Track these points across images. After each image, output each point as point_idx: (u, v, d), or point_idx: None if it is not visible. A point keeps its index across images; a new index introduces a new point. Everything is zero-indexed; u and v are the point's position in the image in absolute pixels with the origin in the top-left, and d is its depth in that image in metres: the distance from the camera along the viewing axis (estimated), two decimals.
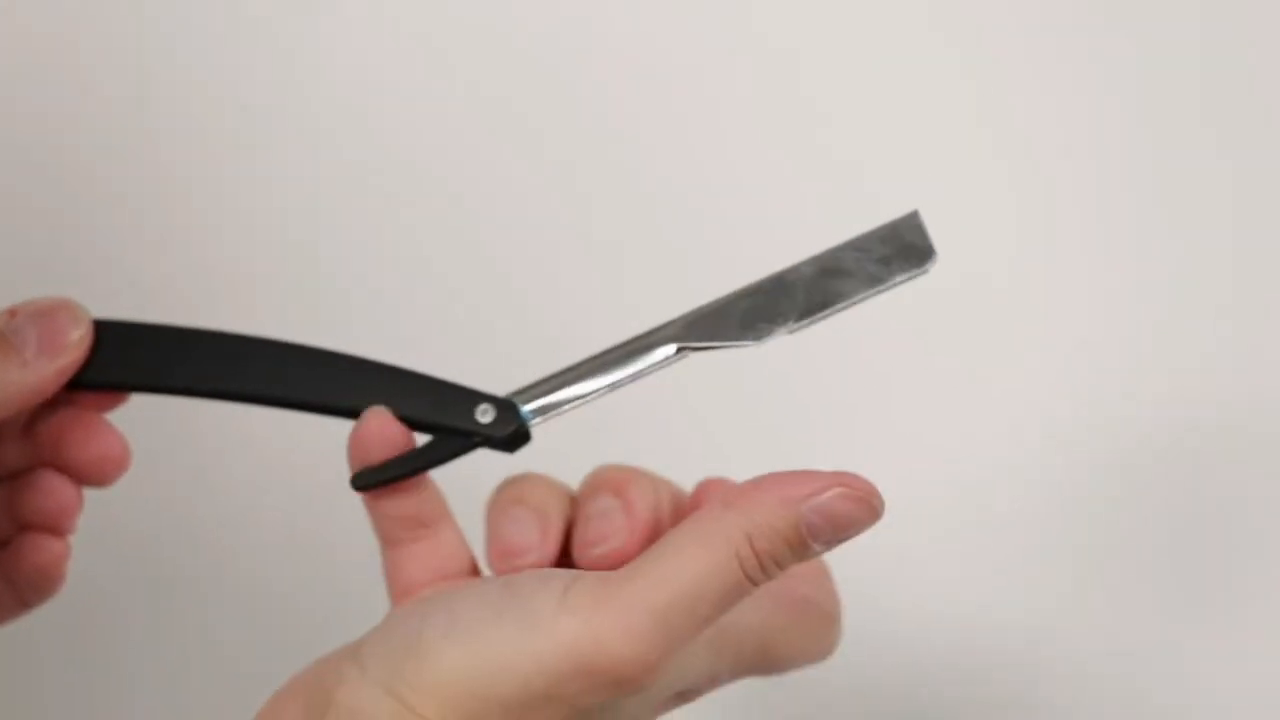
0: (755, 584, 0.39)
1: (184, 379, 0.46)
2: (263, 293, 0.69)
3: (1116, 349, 0.71)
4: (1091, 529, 0.71)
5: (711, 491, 0.46)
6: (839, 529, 0.39)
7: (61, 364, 0.45)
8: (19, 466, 0.48)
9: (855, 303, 0.44)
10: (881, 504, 0.39)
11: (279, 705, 0.40)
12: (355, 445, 0.44)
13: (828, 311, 0.44)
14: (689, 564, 0.38)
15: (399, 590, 0.45)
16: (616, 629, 0.38)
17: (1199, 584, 0.71)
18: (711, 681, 0.44)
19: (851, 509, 0.39)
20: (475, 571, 0.46)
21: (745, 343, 0.44)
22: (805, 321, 0.44)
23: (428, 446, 0.44)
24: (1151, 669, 0.71)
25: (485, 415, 0.44)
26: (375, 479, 0.43)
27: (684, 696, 0.43)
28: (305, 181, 0.70)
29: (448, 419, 0.44)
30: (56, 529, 0.48)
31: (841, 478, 0.39)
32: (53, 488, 0.47)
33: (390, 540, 0.45)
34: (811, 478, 0.39)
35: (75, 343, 0.45)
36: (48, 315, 0.45)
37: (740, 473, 0.42)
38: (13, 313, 0.45)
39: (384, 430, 0.44)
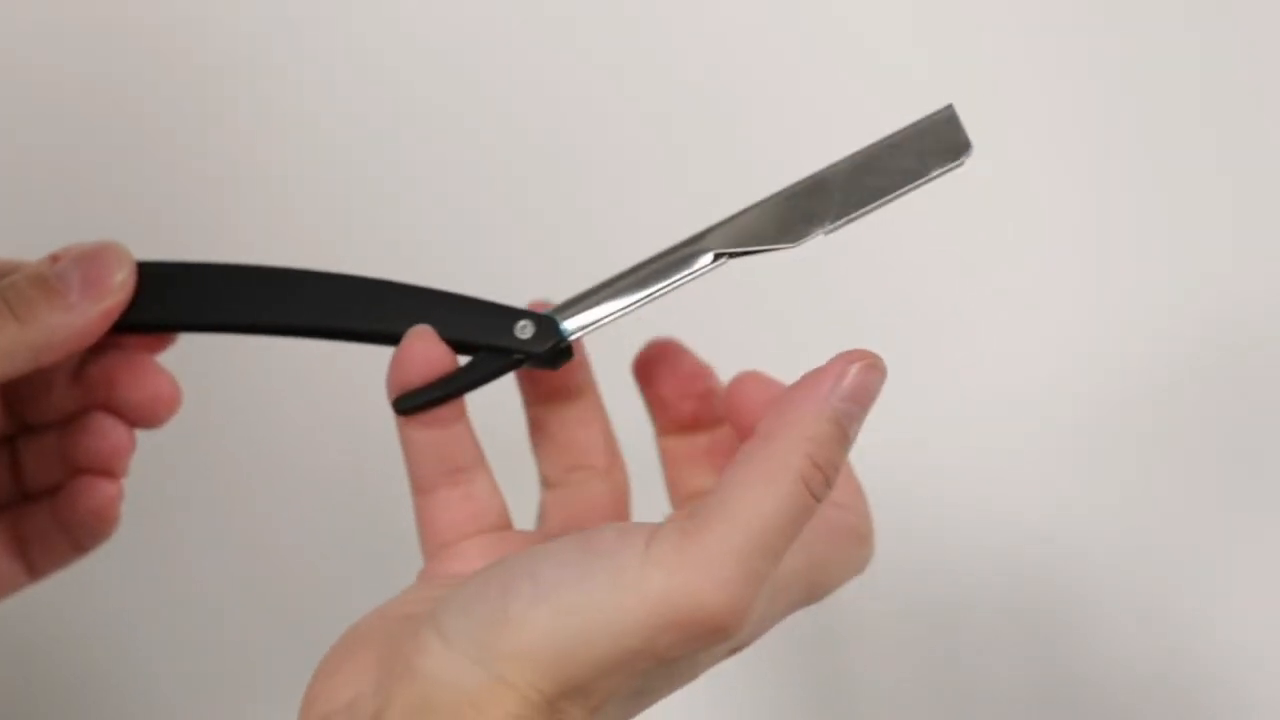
0: (820, 500, 0.38)
1: (227, 315, 0.46)
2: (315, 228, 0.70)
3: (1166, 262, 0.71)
4: (1138, 439, 0.72)
5: (749, 390, 0.46)
6: (866, 403, 0.39)
7: (106, 305, 0.45)
8: (70, 411, 0.48)
9: (891, 199, 0.43)
10: (882, 360, 0.40)
11: (348, 652, 0.40)
12: (397, 366, 0.43)
13: (864, 209, 0.43)
14: (762, 502, 0.37)
15: (432, 541, 0.45)
16: (707, 579, 0.37)
17: (1238, 493, 0.72)
18: (764, 629, 0.43)
19: (868, 378, 0.39)
20: (508, 524, 0.46)
21: (782, 245, 0.43)
22: (842, 221, 0.43)
23: (469, 366, 0.44)
24: (1183, 574, 0.72)
25: (525, 332, 0.44)
26: (418, 401, 0.43)
27: (736, 649, 0.43)
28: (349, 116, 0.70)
29: (488, 337, 0.44)
30: (109, 471, 0.48)
31: (846, 357, 0.39)
32: (105, 429, 0.48)
33: (424, 485, 0.44)
34: (824, 372, 0.39)
35: (119, 284, 0.45)
36: (91, 258, 0.45)
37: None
38: (55, 257, 0.45)
39: (427, 349, 0.43)
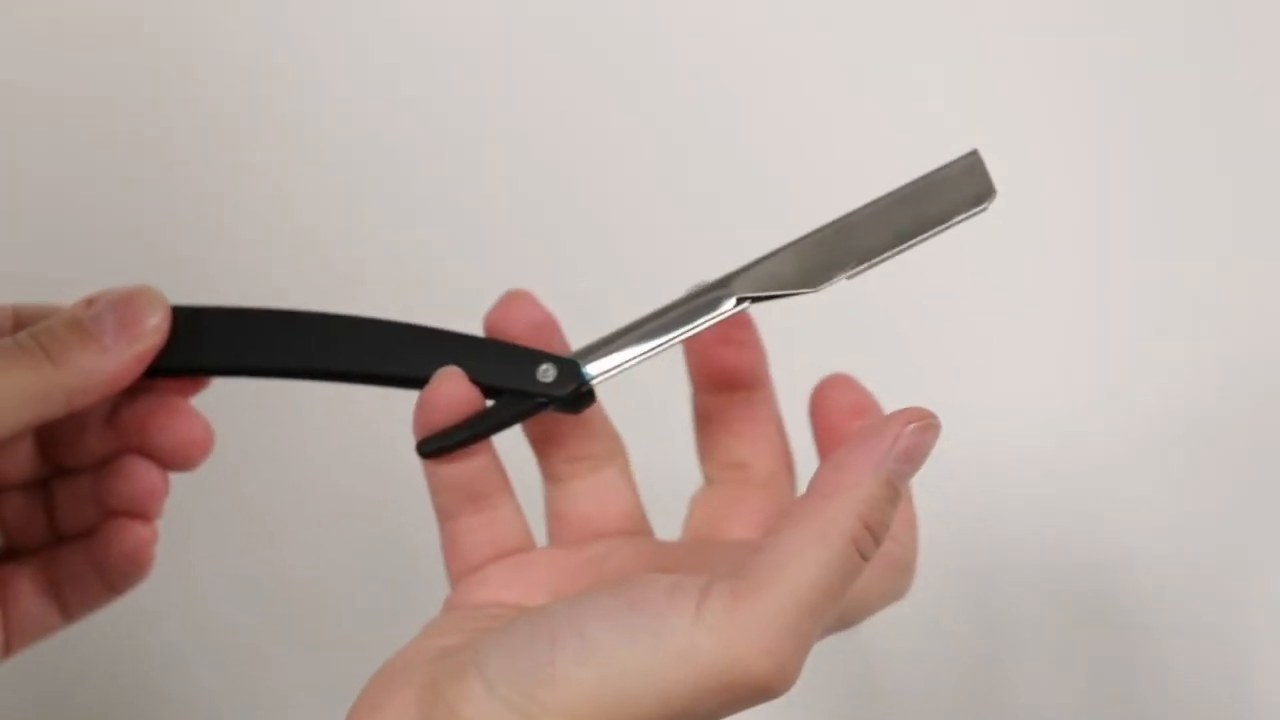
0: (868, 560, 0.39)
1: (256, 360, 0.46)
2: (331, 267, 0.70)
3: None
4: (1157, 441, 0.72)
5: (834, 395, 0.47)
6: (918, 462, 0.39)
7: (140, 349, 0.45)
8: (104, 454, 0.49)
9: (914, 244, 0.43)
10: (938, 419, 0.39)
11: (388, 688, 0.40)
12: (424, 408, 0.44)
13: (886, 255, 0.43)
14: (813, 565, 0.37)
15: (457, 566, 0.45)
16: (756, 647, 0.37)
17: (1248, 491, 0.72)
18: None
19: (922, 439, 0.39)
20: (532, 547, 0.46)
21: (804, 290, 0.44)
22: (864, 266, 0.43)
23: (492, 410, 0.44)
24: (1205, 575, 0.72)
25: (547, 375, 0.44)
26: (441, 444, 0.44)
27: None
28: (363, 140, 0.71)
29: (510, 381, 0.44)
30: (143, 513, 0.49)
31: (904, 416, 0.39)
32: (138, 473, 0.48)
33: (448, 513, 0.45)
34: (882, 432, 0.39)
35: (154, 328, 0.45)
36: (126, 302, 0.46)
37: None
38: (90, 301, 0.46)
39: (455, 391, 0.44)
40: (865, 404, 0.46)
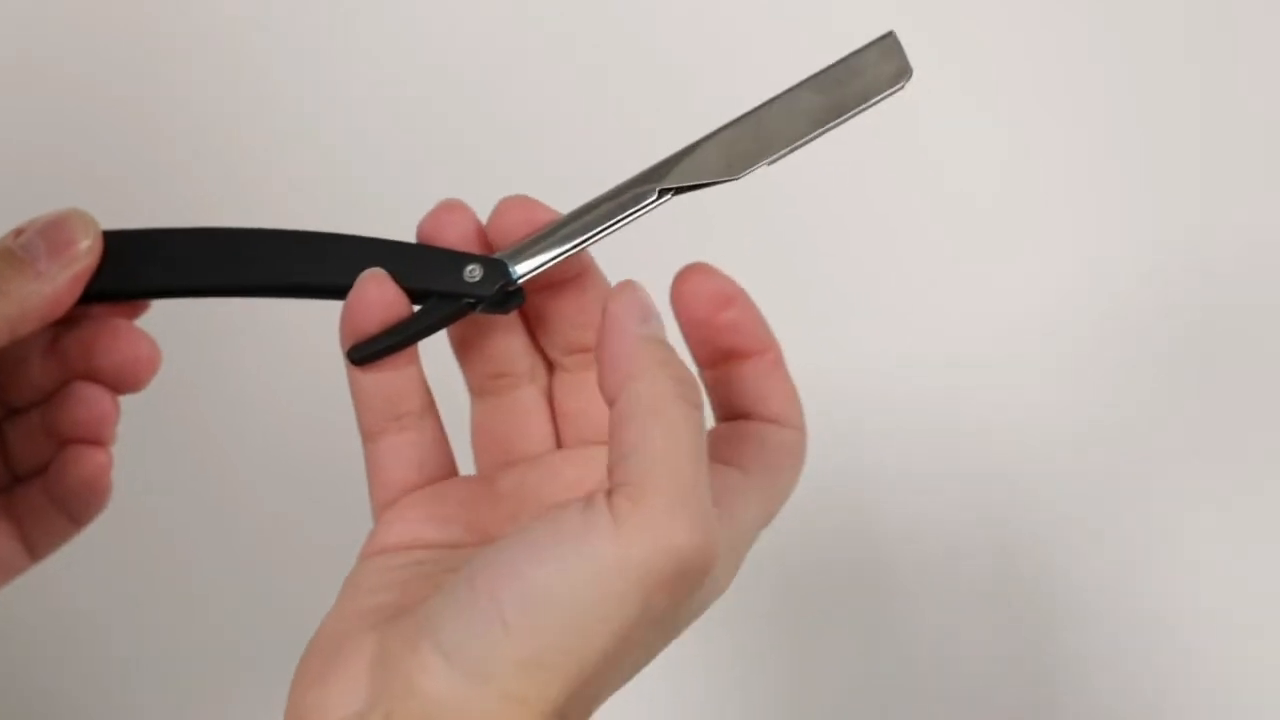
0: (700, 405, 0.39)
1: (190, 278, 0.46)
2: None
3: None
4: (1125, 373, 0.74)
5: (698, 288, 0.45)
6: (654, 314, 0.40)
7: (75, 270, 0.45)
8: (50, 387, 0.49)
9: (833, 126, 0.43)
10: (630, 281, 0.41)
11: (328, 662, 0.39)
12: (351, 311, 0.43)
13: (805, 139, 0.43)
14: (669, 439, 0.38)
15: (380, 494, 0.45)
16: (675, 530, 0.37)
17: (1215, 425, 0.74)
18: (736, 568, 0.44)
19: (637, 297, 0.40)
20: (454, 473, 0.46)
21: (725, 179, 0.44)
22: (784, 151, 0.43)
23: (420, 313, 0.44)
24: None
25: (474, 275, 0.44)
26: (371, 349, 0.43)
27: (717, 593, 0.43)
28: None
29: (436, 283, 0.44)
30: (97, 438, 0.48)
31: (619, 295, 0.40)
32: (88, 397, 0.48)
33: (373, 431, 0.45)
34: (619, 315, 0.40)
35: (86, 250, 0.45)
36: (55, 226, 0.45)
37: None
38: (19, 231, 0.46)
39: (382, 293, 0.43)
40: (730, 292, 0.44)
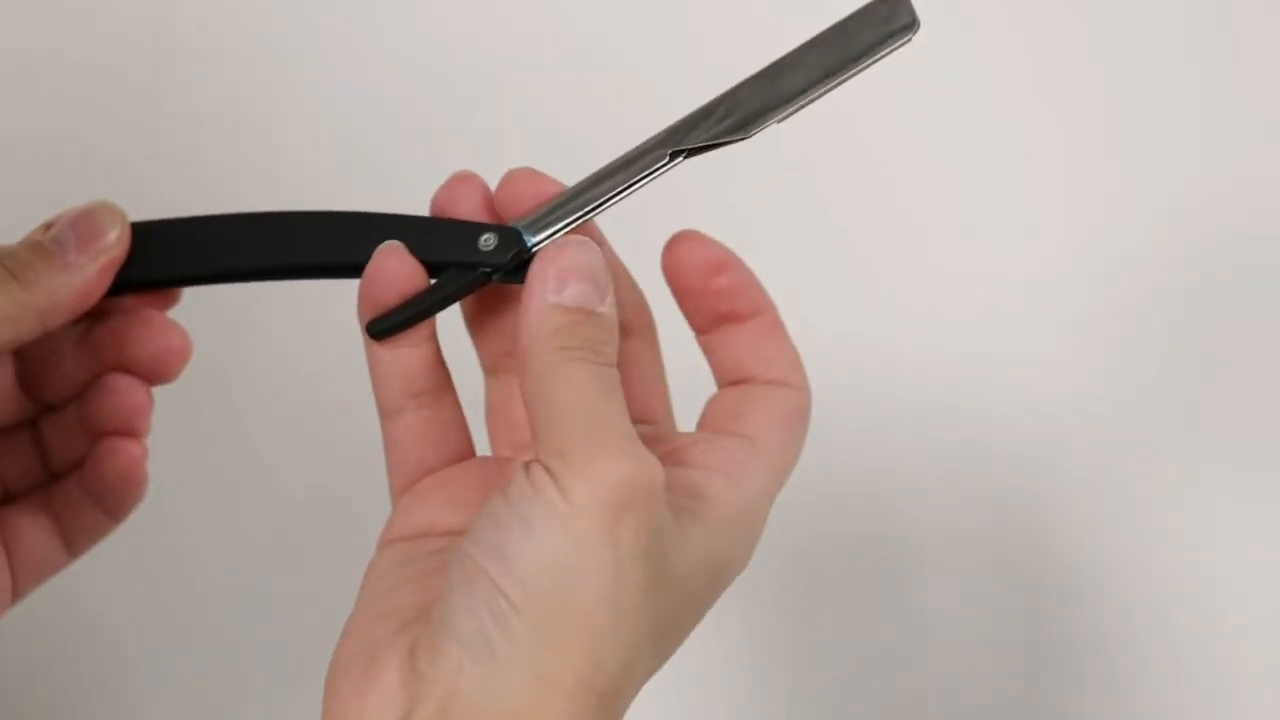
0: (606, 358, 0.41)
1: (216, 263, 0.47)
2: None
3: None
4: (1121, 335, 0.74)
5: (688, 256, 0.45)
6: (584, 279, 0.41)
7: (104, 261, 0.46)
8: (84, 380, 0.49)
9: (841, 81, 0.43)
10: (576, 238, 0.42)
11: (361, 673, 0.40)
12: (368, 284, 0.44)
13: (815, 94, 0.43)
14: (564, 393, 0.40)
15: (398, 478, 0.45)
16: (601, 466, 0.39)
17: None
18: (757, 536, 0.44)
19: (571, 261, 0.41)
20: (471, 453, 0.46)
21: (736, 138, 0.44)
22: (793, 108, 0.43)
23: (438, 285, 0.44)
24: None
25: (488, 244, 0.44)
26: (389, 323, 0.44)
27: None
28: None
29: (452, 253, 0.44)
30: (130, 430, 0.49)
31: (542, 260, 0.41)
32: (121, 388, 0.48)
33: (392, 409, 0.45)
34: (532, 283, 0.41)
35: (115, 240, 0.46)
36: (83, 218, 0.46)
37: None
38: (48, 225, 0.46)
39: (399, 265, 0.44)
40: (723, 258, 0.45)
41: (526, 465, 0.40)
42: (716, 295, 0.44)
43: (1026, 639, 0.75)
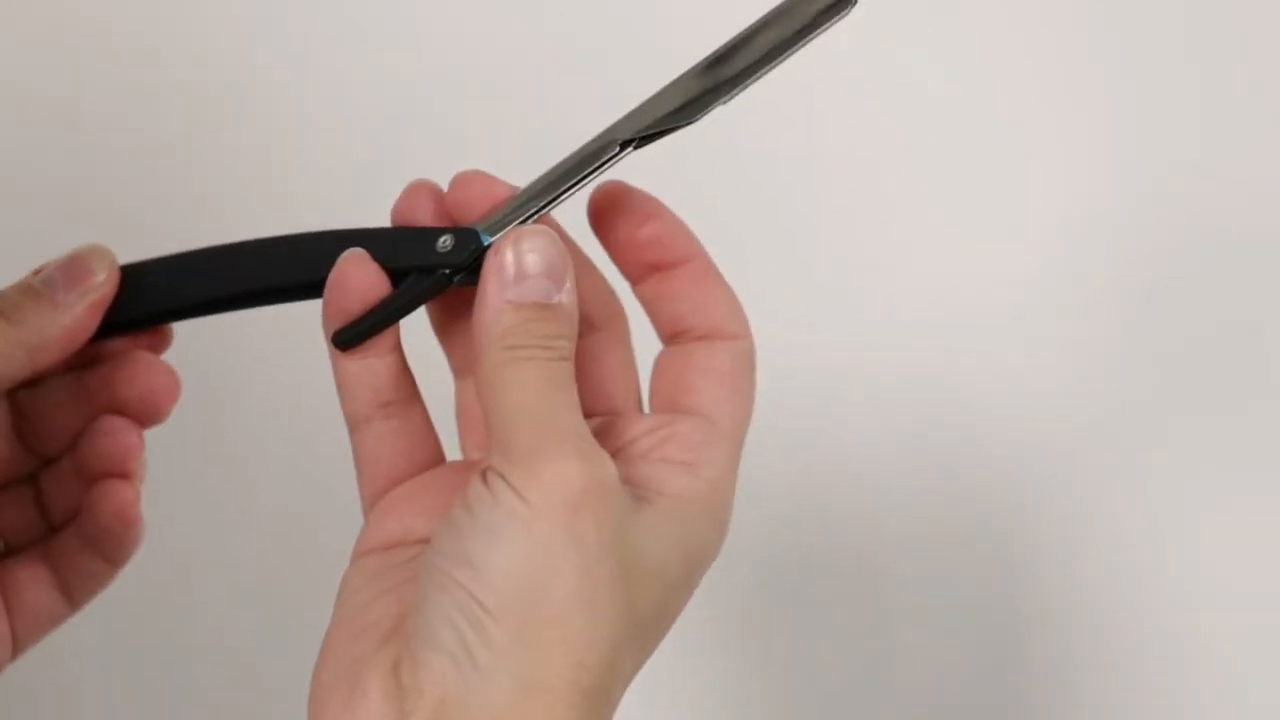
0: (558, 351, 0.41)
1: (193, 296, 0.48)
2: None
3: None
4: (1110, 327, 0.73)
5: (614, 206, 0.46)
6: (539, 275, 0.42)
7: (92, 299, 0.47)
8: (79, 427, 0.50)
9: (781, 60, 0.43)
10: (537, 229, 0.42)
11: (345, 693, 0.40)
12: (332, 292, 0.44)
13: (756, 75, 0.43)
14: (510, 396, 0.40)
15: (369, 487, 0.45)
16: (551, 464, 0.39)
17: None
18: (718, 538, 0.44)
19: (530, 258, 0.42)
20: (441, 459, 0.46)
21: (683, 123, 0.44)
22: (736, 90, 0.44)
23: (400, 290, 0.44)
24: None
25: (446, 246, 0.44)
26: (355, 332, 0.44)
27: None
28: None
29: (411, 258, 0.45)
30: (123, 471, 0.49)
31: (505, 242, 0.42)
32: (112, 430, 0.49)
33: (359, 420, 0.45)
34: (484, 279, 0.42)
35: (102, 280, 0.47)
36: (72, 260, 0.47)
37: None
38: (39, 269, 0.48)
39: (362, 271, 0.44)
40: (649, 208, 0.45)
41: (482, 472, 0.40)
42: (644, 244, 0.45)
43: (1011, 656, 0.73)
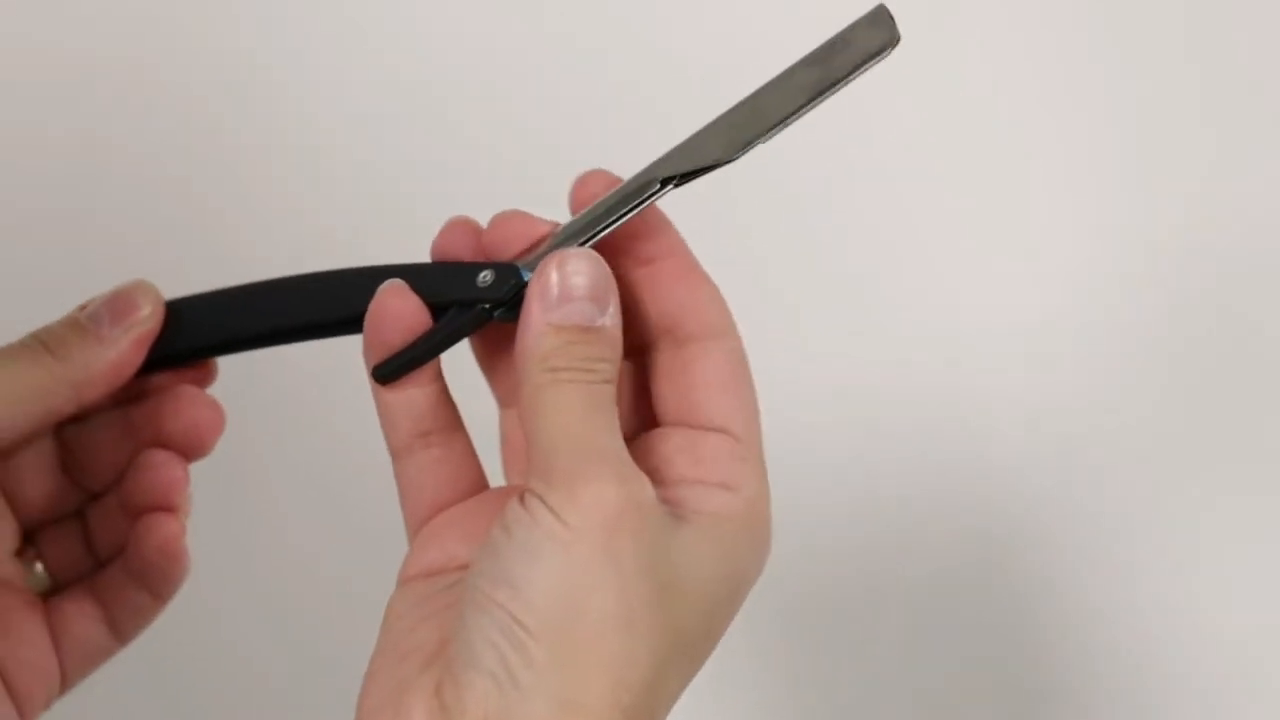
0: (602, 375, 0.41)
1: (240, 331, 0.48)
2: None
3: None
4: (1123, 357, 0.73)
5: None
6: (585, 292, 0.42)
7: (137, 334, 0.48)
8: (125, 462, 0.50)
9: (823, 98, 0.44)
10: (579, 251, 0.42)
11: (397, 712, 0.40)
12: (373, 324, 0.44)
13: (798, 112, 0.44)
14: (551, 420, 0.40)
15: (413, 514, 0.46)
16: (588, 487, 0.39)
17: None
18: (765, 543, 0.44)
19: (574, 281, 0.42)
20: (485, 484, 0.46)
21: (724, 161, 0.44)
22: (778, 128, 0.44)
23: (440, 325, 0.45)
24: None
25: (486, 280, 0.45)
26: (395, 365, 0.44)
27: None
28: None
29: (451, 292, 0.45)
30: (168, 504, 0.50)
31: (538, 279, 0.42)
32: (156, 463, 0.50)
33: (402, 450, 0.45)
34: (527, 304, 0.42)
35: (148, 315, 0.48)
36: (118, 294, 0.48)
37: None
38: (85, 305, 0.48)
39: (402, 303, 0.44)
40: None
41: (521, 494, 0.40)
42: (622, 236, 0.44)
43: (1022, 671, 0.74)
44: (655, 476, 0.42)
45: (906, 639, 0.73)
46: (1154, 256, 0.73)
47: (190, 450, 0.50)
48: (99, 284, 0.50)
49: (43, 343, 0.47)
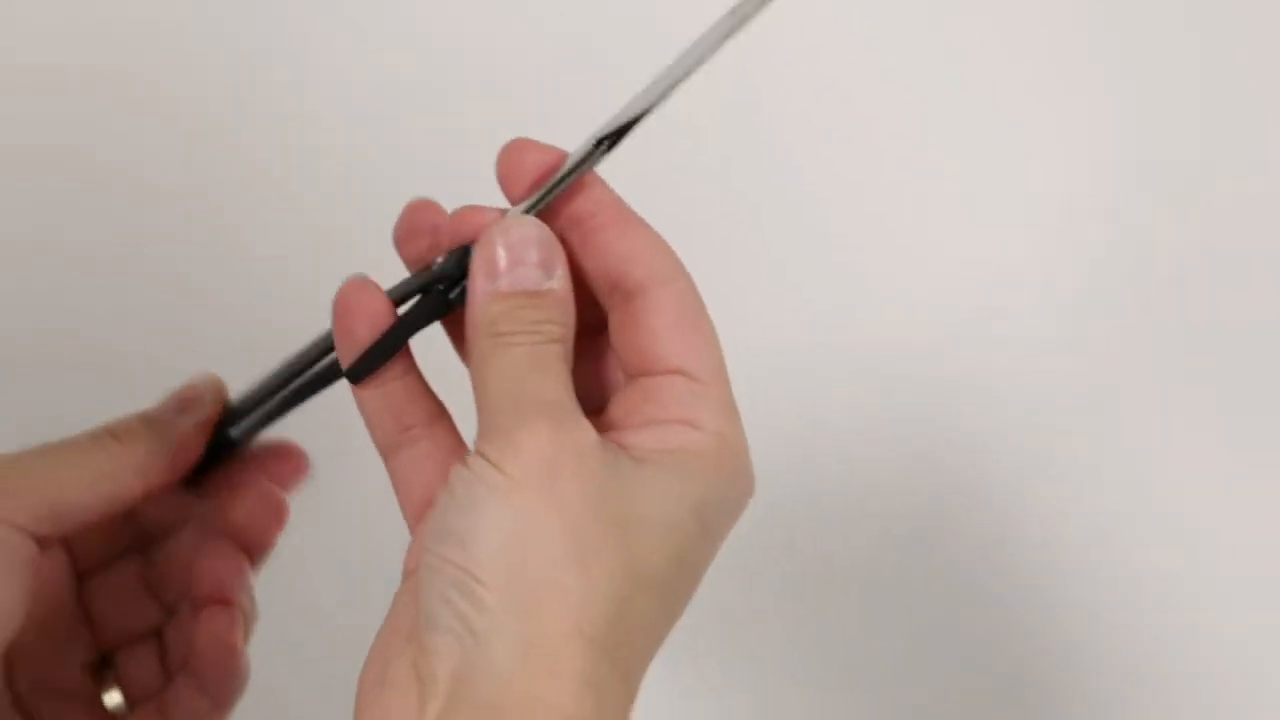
0: (547, 334, 0.42)
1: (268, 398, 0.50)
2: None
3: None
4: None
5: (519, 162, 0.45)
6: (530, 253, 0.42)
7: (200, 417, 0.50)
8: (191, 558, 0.52)
9: (723, 41, 0.45)
10: (517, 220, 0.43)
11: (381, 679, 0.41)
12: (340, 318, 0.45)
13: (703, 60, 0.44)
14: (493, 378, 0.41)
15: (409, 505, 0.46)
16: (525, 434, 0.40)
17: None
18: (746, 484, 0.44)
19: (511, 246, 0.42)
20: None
21: (644, 112, 0.44)
22: (687, 74, 0.44)
23: (405, 315, 0.45)
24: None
25: (439, 262, 0.45)
26: (368, 364, 0.45)
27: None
28: None
29: (411, 281, 0.45)
30: (222, 595, 0.51)
31: (482, 246, 0.42)
32: (215, 551, 0.51)
33: (388, 447, 0.46)
34: (472, 272, 0.42)
35: (209, 401, 0.50)
36: (184, 386, 0.51)
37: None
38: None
39: (366, 295, 0.45)
40: (553, 159, 0.44)
41: (465, 457, 0.41)
42: (558, 203, 0.44)
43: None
44: (618, 426, 0.43)
45: (898, 624, 0.74)
46: (1148, 223, 0.74)
47: (250, 543, 0.52)
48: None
49: (110, 432, 0.49)
